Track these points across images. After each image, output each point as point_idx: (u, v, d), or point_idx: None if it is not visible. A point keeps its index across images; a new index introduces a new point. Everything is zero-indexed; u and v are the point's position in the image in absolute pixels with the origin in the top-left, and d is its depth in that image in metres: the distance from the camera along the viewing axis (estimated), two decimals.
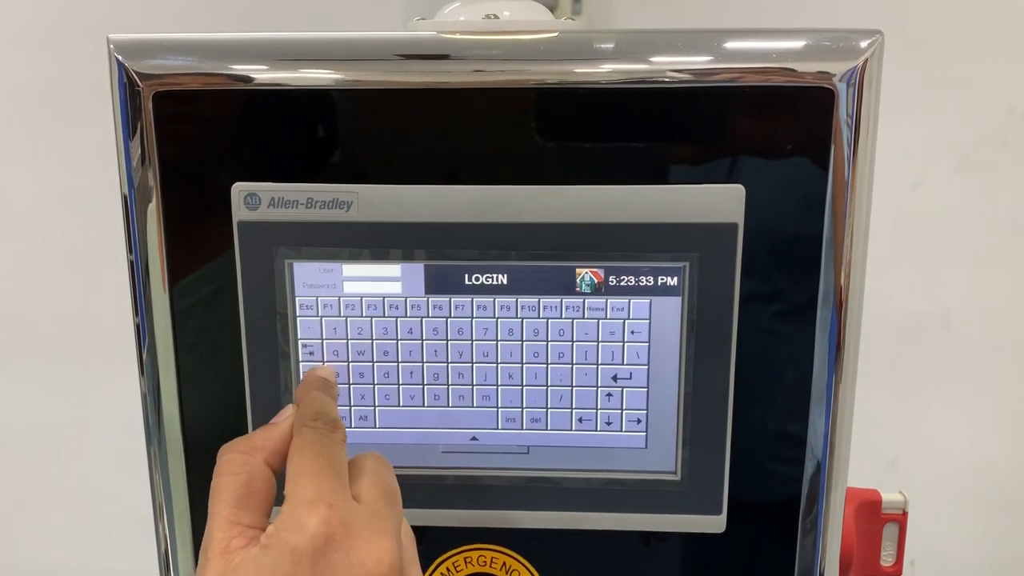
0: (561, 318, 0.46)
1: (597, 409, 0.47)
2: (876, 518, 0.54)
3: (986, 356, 1.16)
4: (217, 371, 0.48)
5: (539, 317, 0.47)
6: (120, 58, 0.45)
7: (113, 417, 1.15)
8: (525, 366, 0.47)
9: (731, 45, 0.44)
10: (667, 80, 0.44)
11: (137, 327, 0.48)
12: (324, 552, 0.34)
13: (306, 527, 0.35)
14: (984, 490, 1.20)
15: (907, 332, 1.15)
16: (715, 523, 0.48)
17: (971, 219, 1.13)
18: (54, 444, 1.19)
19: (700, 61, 0.44)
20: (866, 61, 0.44)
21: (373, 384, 0.48)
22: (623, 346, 0.47)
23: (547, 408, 0.48)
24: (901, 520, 0.54)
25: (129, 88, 0.45)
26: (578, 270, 0.46)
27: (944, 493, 1.19)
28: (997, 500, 1.20)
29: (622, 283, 0.46)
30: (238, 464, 0.39)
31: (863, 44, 0.44)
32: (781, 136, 0.45)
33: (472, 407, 0.48)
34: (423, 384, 0.48)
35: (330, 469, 0.37)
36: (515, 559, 0.50)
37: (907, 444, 1.19)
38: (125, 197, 0.47)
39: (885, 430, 1.15)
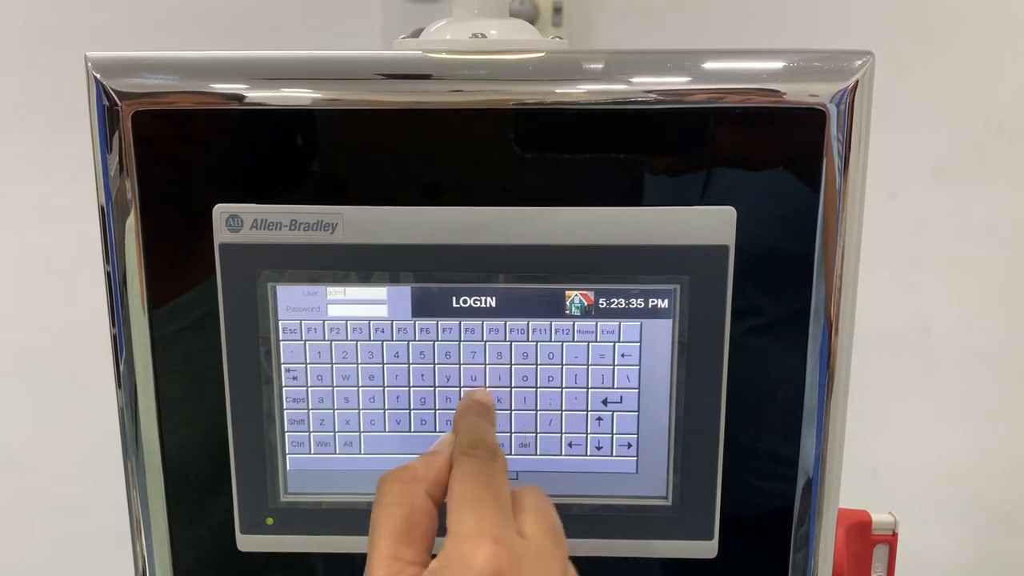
0: (550, 341, 0.46)
1: (587, 433, 0.47)
2: (866, 539, 0.53)
3: (965, 363, 1.17)
4: (197, 392, 0.47)
5: (528, 340, 0.46)
6: (98, 76, 0.44)
7: (86, 431, 1.13)
8: (514, 390, 0.46)
9: (721, 65, 0.44)
10: (657, 100, 0.44)
11: (114, 338, 0.47)
12: None
13: (473, 563, 0.32)
14: (964, 497, 1.21)
15: (886, 340, 1.15)
16: (706, 548, 0.48)
17: (949, 228, 1.13)
18: (25, 458, 1.17)
19: (691, 81, 0.44)
20: (857, 82, 0.43)
21: (359, 409, 0.47)
22: (613, 369, 0.46)
23: (536, 433, 0.47)
24: (891, 541, 0.53)
25: (107, 107, 0.44)
26: (568, 292, 0.45)
27: (924, 501, 1.20)
28: (977, 507, 1.21)
29: (612, 306, 0.45)
30: (399, 494, 0.37)
31: (854, 65, 0.43)
32: (772, 157, 0.44)
33: None
34: (410, 409, 0.47)
35: (493, 500, 0.35)
36: None
37: (887, 453, 1.19)
38: (102, 208, 0.45)
39: (865, 439, 1.15)
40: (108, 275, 0.46)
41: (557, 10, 1.08)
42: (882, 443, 1.18)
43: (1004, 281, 1.15)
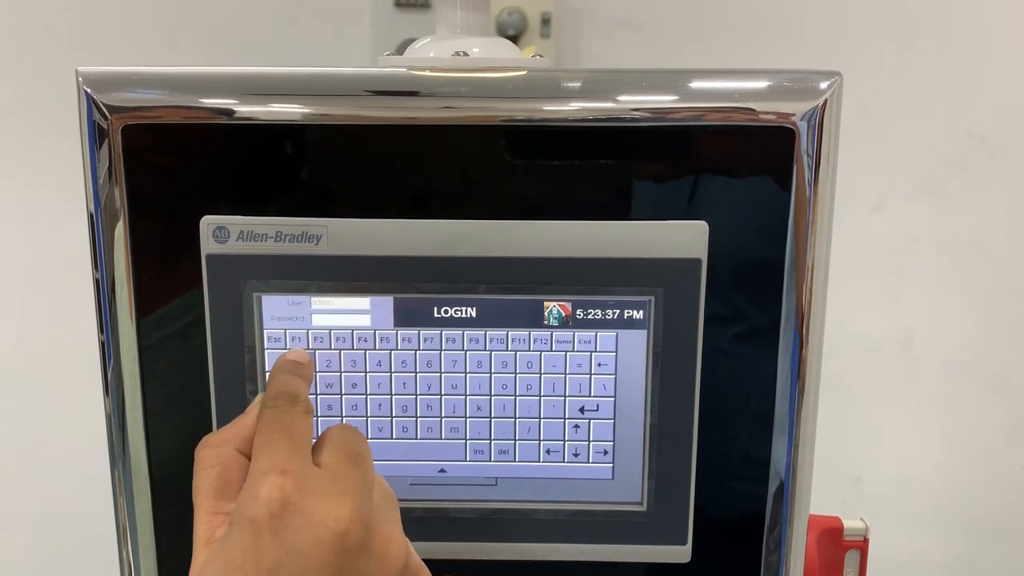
0: (529, 351, 0.47)
1: (564, 441, 0.48)
2: (838, 545, 0.54)
3: (947, 374, 1.18)
4: (184, 399, 0.48)
5: (507, 350, 0.47)
6: (88, 91, 0.45)
7: (72, 440, 1.13)
8: (493, 398, 0.48)
9: (696, 85, 0.45)
10: (632, 118, 0.45)
11: (102, 346, 0.48)
12: (281, 517, 0.34)
13: (259, 495, 0.35)
14: (946, 506, 1.22)
15: (870, 351, 1.16)
16: (680, 553, 0.49)
17: (931, 241, 1.15)
18: (10, 467, 1.18)
19: (665, 100, 0.45)
20: (826, 101, 0.45)
21: (341, 416, 0.48)
22: (590, 378, 0.47)
23: (515, 440, 0.48)
24: (862, 547, 0.54)
25: (97, 121, 0.45)
26: (546, 303, 0.46)
27: (907, 509, 1.21)
28: (959, 516, 1.22)
29: (589, 316, 0.46)
30: (212, 457, 0.39)
31: (823, 85, 0.45)
32: (744, 173, 0.46)
33: (440, 439, 0.48)
34: (391, 416, 0.48)
35: (286, 440, 0.38)
36: None
37: (871, 463, 1.20)
38: (91, 217, 0.46)
39: (849, 448, 1.17)
40: (97, 283, 0.47)
41: (545, 22, 1.09)
42: (866, 452, 1.20)
43: (986, 293, 1.16)
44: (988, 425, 1.20)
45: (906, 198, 1.13)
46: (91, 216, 0.47)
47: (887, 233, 1.14)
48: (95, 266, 0.47)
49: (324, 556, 0.34)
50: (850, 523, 0.55)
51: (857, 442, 1.18)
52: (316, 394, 0.48)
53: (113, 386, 0.48)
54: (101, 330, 0.48)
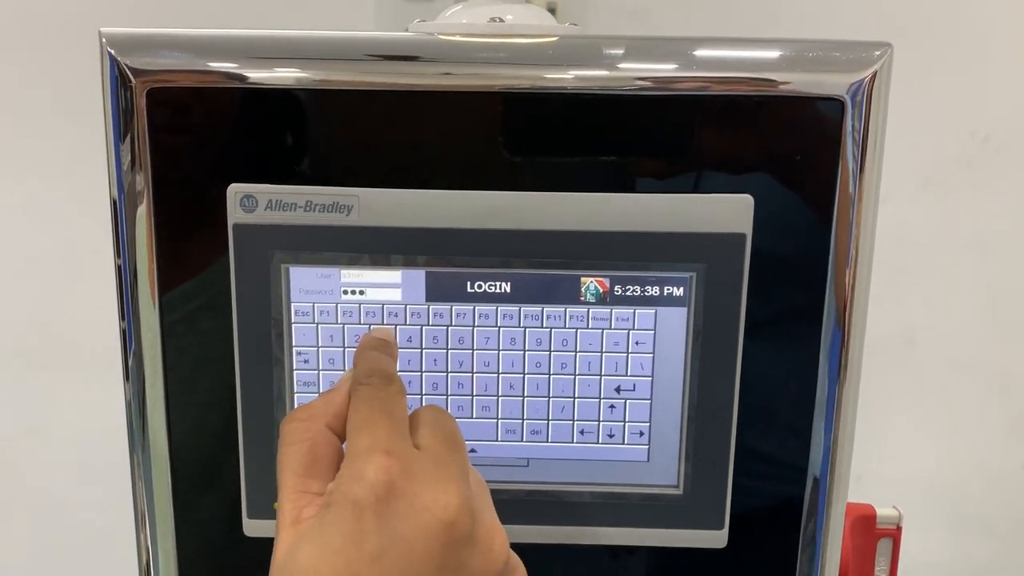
0: (565, 328, 0.46)
1: (599, 421, 0.47)
2: (871, 533, 0.53)
3: (950, 373, 1.18)
4: (207, 378, 0.47)
5: (542, 327, 0.46)
6: (112, 52, 0.43)
7: (71, 429, 1.12)
8: (527, 376, 0.46)
9: (740, 54, 0.44)
10: (675, 88, 0.44)
11: (123, 332, 0.47)
12: (387, 501, 0.33)
13: (365, 477, 0.33)
14: (947, 506, 1.22)
15: (872, 349, 1.16)
16: (717, 538, 0.47)
17: (935, 238, 1.15)
18: (8, 456, 1.16)
19: (710, 70, 0.44)
20: (875, 73, 0.44)
21: None
22: (627, 357, 0.46)
23: (548, 420, 0.47)
24: (895, 535, 0.53)
25: (121, 84, 0.44)
26: (583, 279, 0.45)
27: (907, 509, 1.20)
28: (960, 516, 1.22)
29: (627, 293, 0.45)
30: (300, 432, 0.37)
31: (873, 55, 0.44)
32: (789, 147, 0.45)
33: (472, 418, 0.47)
34: (421, 394, 0.46)
35: (387, 420, 0.36)
36: None
37: (871, 460, 1.20)
38: (114, 200, 0.45)
39: None
40: (119, 268, 0.46)
41: (551, 10, 1.08)
42: (867, 451, 1.19)
43: (989, 292, 1.16)
44: (990, 424, 1.20)
45: (910, 196, 1.13)
46: (112, 184, 0.45)
47: (891, 230, 1.13)
48: (117, 252, 0.46)
49: (429, 545, 0.32)
50: (883, 511, 0.54)
51: (858, 440, 1.17)
52: (344, 370, 0.46)
53: (134, 372, 0.47)
54: (123, 315, 0.46)
